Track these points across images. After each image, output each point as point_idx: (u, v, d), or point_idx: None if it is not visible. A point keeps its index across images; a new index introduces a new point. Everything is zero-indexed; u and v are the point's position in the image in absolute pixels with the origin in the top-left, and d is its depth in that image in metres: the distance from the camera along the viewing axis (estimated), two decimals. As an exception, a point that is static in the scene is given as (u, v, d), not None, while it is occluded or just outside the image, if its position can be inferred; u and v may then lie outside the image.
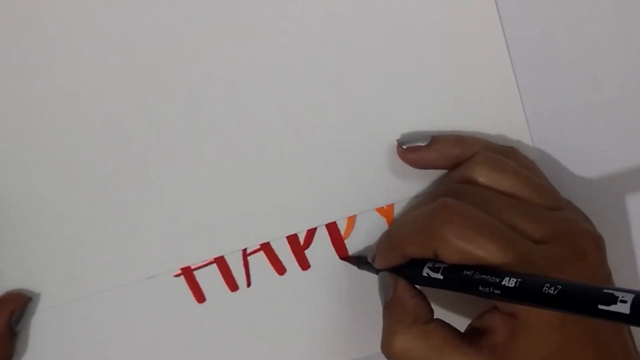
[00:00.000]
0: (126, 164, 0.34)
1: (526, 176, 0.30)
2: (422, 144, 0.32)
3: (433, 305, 0.30)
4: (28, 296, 0.34)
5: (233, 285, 0.35)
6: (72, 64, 0.34)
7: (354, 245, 0.35)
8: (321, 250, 0.35)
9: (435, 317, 0.29)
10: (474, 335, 0.28)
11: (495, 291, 0.25)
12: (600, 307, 0.22)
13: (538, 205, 0.29)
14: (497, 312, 0.28)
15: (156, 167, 0.34)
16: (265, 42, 0.34)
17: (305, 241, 0.35)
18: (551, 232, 0.28)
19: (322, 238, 0.35)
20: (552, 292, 0.23)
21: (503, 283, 0.25)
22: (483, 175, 0.30)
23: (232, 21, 0.34)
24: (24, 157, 0.34)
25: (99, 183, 0.34)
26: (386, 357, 0.29)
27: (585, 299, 0.22)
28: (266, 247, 0.35)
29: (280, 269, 0.35)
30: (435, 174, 0.34)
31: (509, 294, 0.25)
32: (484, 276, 0.26)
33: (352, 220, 0.35)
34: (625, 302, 0.21)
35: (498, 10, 0.34)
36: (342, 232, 0.35)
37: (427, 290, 0.30)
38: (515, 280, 0.25)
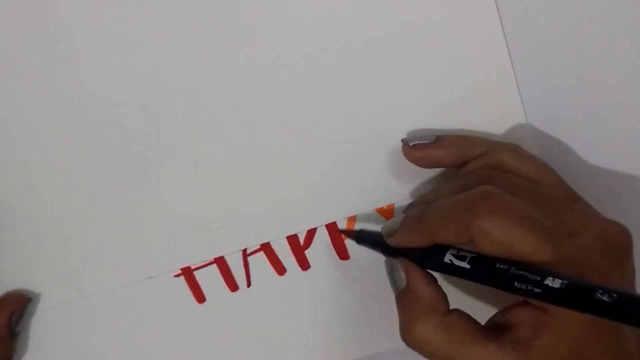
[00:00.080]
0: (126, 164, 0.34)
1: (549, 168, 0.30)
2: (428, 142, 0.32)
3: (451, 292, 0.29)
4: (28, 296, 0.34)
5: (233, 286, 0.35)
6: (72, 64, 0.34)
7: (354, 246, 0.35)
8: (321, 250, 0.35)
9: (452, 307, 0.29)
10: (495, 330, 0.27)
11: (535, 289, 0.25)
12: None
13: (561, 197, 0.29)
14: (525, 307, 0.27)
15: (156, 167, 0.34)
16: (265, 42, 0.34)
17: (305, 241, 0.35)
18: (583, 224, 0.27)
19: (322, 238, 0.35)
20: (606, 299, 0.23)
21: (546, 282, 0.24)
22: (511, 164, 0.30)
23: (232, 21, 0.34)
24: (24, 157, 0.34)
25: (99, 183, 0.34)
26: (407, 345, 0.28)
27: None
28: (266, 248, 0.35)
29: (280, 269, 0.35)
30: (435, 174, 0.34)
31: (551, 295, 0.24)
32: (521, 272, 0.25)
33: (352, 220, 0.35)
34: None
35: (498, 10, 0.34)
36: (342, 233, 0.35)
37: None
38: (560, 281, 0.24)
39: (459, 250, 0.28)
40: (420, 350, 0.28)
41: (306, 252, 0.35)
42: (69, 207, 0.34)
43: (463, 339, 0.27)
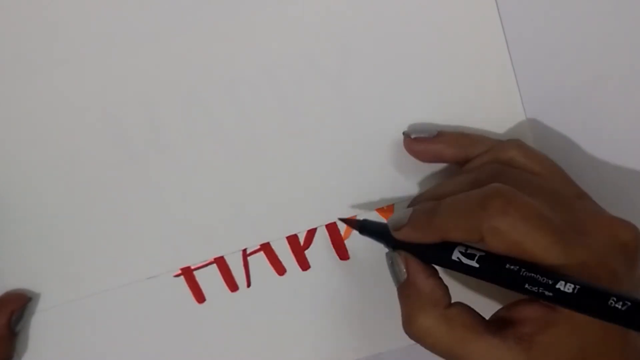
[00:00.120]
0: (126, 164, 0.34)
1: (555, 165, 0.30)
2: (429, 136, 0.32)
3: (454, 285, 0.29)
4: (28, 296, 0.34)
5: (233, 286, 0.35)
6: (72, 64, 0.34)
7: (354, 246, 0.35)
8: (321, 250, 0.35)
9: (455, 300, 0.29)
10: (499, 324, 0.27)
11: (546, 293, 0.24)
12: None
13: (569, 194, 0.29)
14: (532, 303, 0.27)
15: (156, 167, 0.34)
16: (265, 42, 0.34)
17: (305, 241, 0.35)
18: (591, 222, 0.27)
19: (322, 238, 0.35)
20: (619, 307, 0.23)
21: (558, 286, 0.24)
22: (518, 160, 0.30)
23: (232, 21, 0.34)
24: (24, 157, 0.34)
25: (99, 183, 0.34)
26: (409, 337, 0.28)
27: None
28: (266, 248, 0.35)
29: (280, 269, 0.35)
30: (435, 175, 0.34)
31: (563, 299, 0.24)
32: (532, 274, 0.25)
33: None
34: None
35: (498, 10, 0.34)
36: (342, 233, 0.35)
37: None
38: (573, 286, 0.24)
39: (467, 247, 0.27)
40: (422, 343, 0.28)
41: (306, 252, 0.35)
42: (68, 207, 0.34)
43: (464, 332, 0.27)
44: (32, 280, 0.35)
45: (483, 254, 0.27)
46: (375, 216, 0.35)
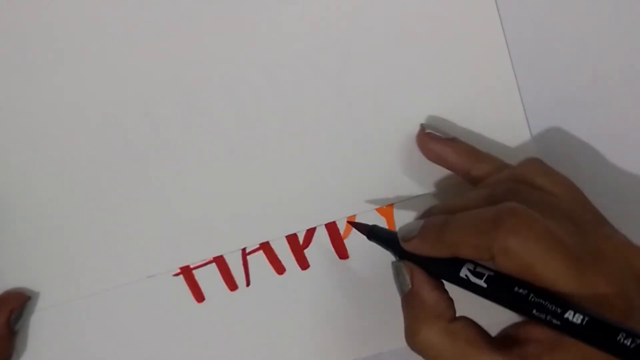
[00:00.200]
0: (126, 164, 0.34)
1: (576, 187, 0.29)
2: (443, 136, 0.32)
3: (461, 299, 0.28)
4: (27, 295, 0.34)
5: (232, 285, 0.35)
6: (72, 64, 0.34)
7: (353, 245, 0.35)
8: (320, 250, 0.35)
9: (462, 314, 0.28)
10: (504, 342, 0.27)
11: (554, 321, 0.24)
12: None
13: (588, 218, 0.28)
14: (542, 325, 0.26)
15: (156, 167, 0.34)
16: (265, 42, 0.34)
17: (304, 241, 0.35)
18: (607, 247, 0.26)
19: (322, 238, 0.35)
20: (628, 344, 0.22)
21: (566, 316, 0.24)
22: (538, 180, 0.29)
23: (232, 21, 0.34)
24: (24, 157, 0.34)
25: (99, 183, 0.34)
26: (411, 349, 0.28)
27: None
28: (265, 247, 0.35)
29: (279, 268, 0.35)
30: (435, 175, 0.34)
31: (570, 329, 0.24)
32: (540, 300, 0.24)
33: (351, 220, 0.35)
34: None
35: (498, 10, 0.34)
36: (342, 232, 0.35)
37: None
38: (582, 317, 0.23)
39: (476, 265, 0.27)
40: (424, 355, 0.27)
41: (305, 251, 0.35)
42: (68, 206, 0.34)
43: (467, 347, 0.26)
44: (31, 279, 0.35)
45: (492, 273, 0.26)
46: (375, 216, 0.35)
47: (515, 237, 0.25)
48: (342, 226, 0.35)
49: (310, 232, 0.35)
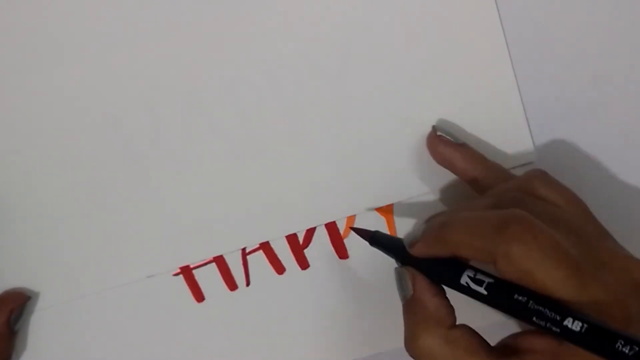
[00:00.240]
0: (126, 164, 0.34)
1: (578, 199, 0.30)
2: (453, 141, 0.33)
3: (463, 307, 0.28)
4: (27, 295, 0.34)
5: (232, 285, 0.35)
6: (72, 64, 0.34)
7: (353, 245, 0.35)
8: (320, 249, 0.35)
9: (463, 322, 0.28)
10: (504, 351, 0.27)
11: (554, 328, 0.24)
12: None
13: (590, 230, 0.29)
14: (542, 335, 0.26)
15: (156, 167, 0.34)
16: (265, 42, 0.34)
17: (304, 241, 0.35)
18: (610, 258, 0.27)
19: (322, 238, 0.35)
20: (627, 351, 0.22)
21: (565, 323, 0.24)
22: (542, 190, 0.29)
23: (232, 21, 0.34)
24: (24, 157, 0.34)
25: (99, 183, 0.34)
26: (410, 355, 0.28)
27: None
28: (265, 247, 0.35)
29: (279, 268, 0.35)
30: (436, 175, 0.34)
31: (570, 337, 0.24)
32: (540, 308, 0.25)
33: (351, 220, 0.35)
34: None
35: (498, 10, 0.34)
36: (342, 232, 0.35)
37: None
38: (580, 324, 0.24)
39: (476, 272, 0.27)
40: None
41: (305, 251, 0.35)
42: (68, 206, 0.34)
43: (466, 355, 0.26)
44: (31, 279, 0.35)
45: (492, 281, 0.26)
46: (374, 216, 0.35)
47: (519, 244, 0.25)
48: (342, 226, 0.35)
49: (310, 232, 0.35)
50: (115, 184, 0.34)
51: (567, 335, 0.24)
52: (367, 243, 0.33)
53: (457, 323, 0.28)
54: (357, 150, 0.34)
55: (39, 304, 0.35)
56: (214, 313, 0.35)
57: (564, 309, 0.24)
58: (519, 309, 0.25)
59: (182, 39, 0.34)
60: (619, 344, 0.23)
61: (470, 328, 0.28)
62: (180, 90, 0.34)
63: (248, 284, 0.35)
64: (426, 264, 0.28)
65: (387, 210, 0.35)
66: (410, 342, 0.28)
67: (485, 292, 0.26)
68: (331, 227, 0.35)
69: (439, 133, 0.33)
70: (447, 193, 0.35)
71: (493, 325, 0.31)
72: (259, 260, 0.35)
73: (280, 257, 0.35)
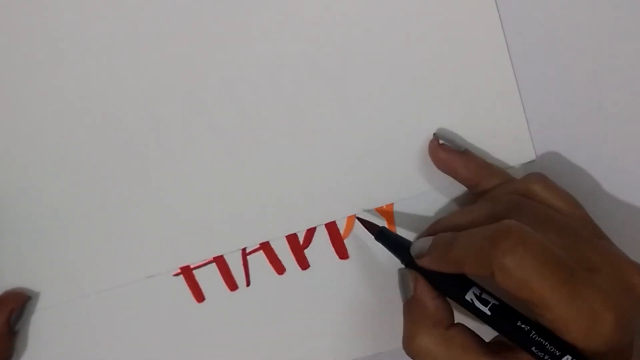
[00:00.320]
0: (126, 164, 0.34)
1: (576, 202, 0.30)
2: (455, 149, 0.33)
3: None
4: (27, 295, 0.34)
5: (232, 285, 0.35)
6: (72, 64, 0.34)
7: (353, 245, 0.35)
8: (320, 250, 0.35)
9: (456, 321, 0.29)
10: (498, 347, 0.28)
11: None
12: None
13: (586, 233, 0.29)
14: None
15: (156, 167, 0.34)
16: (265, 42, 0.34)
17: (304, 241, 0.35)
18: (604, 261, 0.27)
19: (322, 238, 0.35)
20: None
21: None
22: (539, 194, 0.30)
23: (232, 21, 0.34)
24: (24, 157, 0.34)
25: (99, 183, 0.34)
26: (407, 354, 0.29)
27: None
28: (265, 247, 0.35)
29: (279, 268, 0.35)
30: (436, 175, 0.34)
31: None
32: (541, 340, 0.25)
33: (351, 219, 0.35)
34: None
35: (498, 10, 0.34)
36: (342, 232, 0.35)
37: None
38: None
39: (482, 292, 0.28)
40: None
41: (305, 251, 0.35)
42: (68, 207, 0.34)
43: (463, 353, 0.27)
44: (31, 279, 0.35)
45: (497, 303, 0.27)
46: (375, 215, 0.35)
47: (512, 256, 0.25)
48: (342, 226, 0.35)
49: (311, 232, 0.35)
50: (115, 184, 0.34)
51: None
52: (367, 242, 0.33)
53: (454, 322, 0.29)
54: (357, 150, 0.34)
55: (39, 304, 0.35)
56: (214, 313, 0.35)
57: (564, 345, 0.25)
58: (520, 336, 0.26)
59: (182, 39, 0.34)
60: None
61: (466, 327, 0.28)
62: (180, 90, 0.34)
63: (248, 284, 0.35)
64: (433, 274, 0.29)
65: (387, 210, 0.35)
66: (408, 341, 0.28)
67: (488, 313, 0.27)
68: (331, 227, 0.35)
69: (441, 141, 0.33)
70: (447, 193, 0.35)
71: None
72: (259, 261, 0.35)
73: (280, 257, 0.35)
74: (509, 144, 0.35)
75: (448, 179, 0.34)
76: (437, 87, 0.34)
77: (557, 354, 0.25)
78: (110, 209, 0.34)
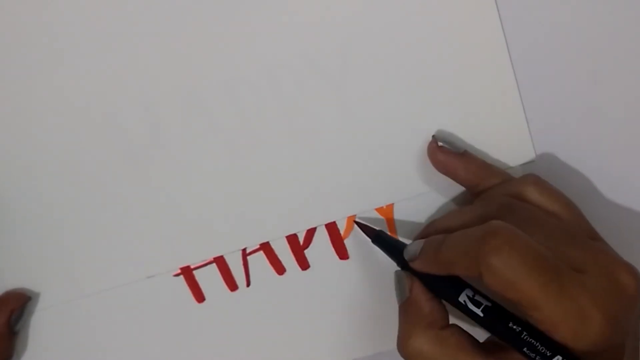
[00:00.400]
0: (126, 164, 0.34)
1: (570, 203, 0.30)
2: (454, 151, 0.33)
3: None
4: (27, 295, 0.34)
5: (232, 285, 0.35)
6: (72, 64, 0.34)
7: (353, 245, 0.35)
8: (321, 250, 0.35)
9: (451, 322, 0.29)
10: (492, 347, 0.28)
11: None
12: None
13: (580, 234, 0.29)
14: None
15: (156, 167, 0.34)
16: (265, 42, 0.34)
17: (304, 241, 0.35)
18: (593, 261, 0.27)
19: (322, 238, 0.35)
20: None
21: None
22: (533, 195, 0.30)
23: (232, 21, 0.34)
24: (24, 157, 0.34)
25: (99, 183, 0.34)
26: (401, 355, 0.29)
27: None
28: (266, 247, 0.35)
29: (279, 268, 0.35)
30: (435, 175, 0.34)
31: None
32: (532, 341, 0.26)
33: (351, 220, 0.35)
34: None
35: (498, 10, 0.34)
36: (342, 232, 0.35)
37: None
38: None
39: (475, 293, 0.28)
40: None
41: (305, 251, 0.35)
42: (68, 207, 0.34)
43: (457, 353, 0.27)
44: (31, 279, 0.35)
45: (490, 304, 0.28)
46: (375, 215, 0.35)
47: (498, 256, 0.25)
48: (342, 226, 0.35)
49: (311, 233, 0.35)
50: (115, 184, 0.34)
51: None
52: (367, 243, 0.33)
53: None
54: (357, 150, 0.34)
55: (40, 304, 0.35)
56: (214, 313, 0.35)
57: (555, 345, 0.25)
58: (512, 337, 0.26)
59: (182, 39, 0.34)
60: None
61: (460, 328, 0.29)
62: (180, 90, 0.34)
63: (248, 284, 0.35)
64: (427, 276, 0.29)
65: (387, 210, 0.35)
66: (403, 342, 0.29)
67: (481, 314, 0.27)
68: (331, 228, 0.35)
69: (440, 143, 0.33)
70: (447, 193, 0.35)
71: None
72: (259, 261, 0.35)
73: (280, 258, 0.35)
74: (508, 144, 0.35)
75: (448, 180, 0.34)
76: (437, 87, 0.34)
77: (548, 354, 0.25)
78: (110, 209, 0.34)
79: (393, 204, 0.35)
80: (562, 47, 0.34)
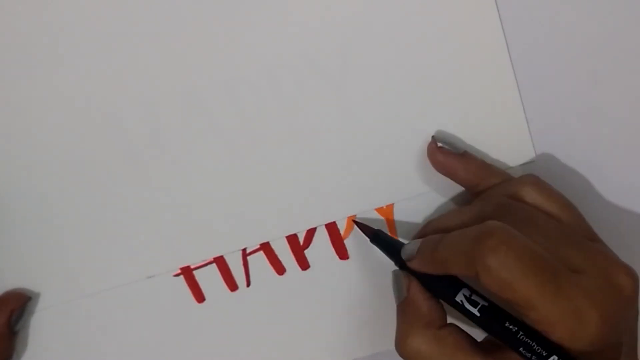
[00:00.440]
0: (126, 164, 0.34)
1: (569, 204, 0.30)
2: (454, 151, 0.33)
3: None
4: (27, 295, 0.34)
5: (232, 285, 0.35)
6: (72, 64, 0.34)
7: (353, 246, 0.35)
8: (321, 250, 0.35)
9: (449, 322, 0.29)
10: (490, 346, 0.28)
11: None
12: None
13: (578, 235, 0.29)
14: None
15: (156, 167, 0.34)
16: (265, 42, 0.34)
17: (304, 241, 0.35)
18: (590, 262, 0.27)
19: (322, 238, 0.35)
20: None
21: None
22: (531, 196, 0.30)
23: (232, 21, 0.34)
24: (24, 157, 0.34)
25: (99, 183, 0.34)
26: (399, 355, 0.29)
27: None
28: (266, 247, 0.35)
29: (279, 268, 0.35)
30: (435, 175, 0.34)
31: None
32: (528, 340, 0.26)
33: (351, 220, 0.35)
34: None
35: (498, 10, 0.34)
36: (342, 232, 0.35)
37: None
38: None
39: (472, 293, 0.28)
40: None
41: (306, 251, 0.35)
42: (68, 207, 0.34)
43: (455, 352, 0.27)
44: (31, 279, 0.34)
45: (486, 304, 0.28)
46: (374, 216, 0.35)
47: (494, 256, 0.25)
48: (342, 226, 0.35)
49: (311, 233, 0.35)
50: (115, 184, 0.34)
51: None
52: (367, 243, 0.33)
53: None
54: (357, 150, 0.34)
55: (40, 304, 0.35)
56: (214, 314, 0.35)
57: (551, 345, 0.25)
58: (508, 336, 0.26)
59: (182, 39, 0.34)
60: None
61: (458, 327, 0.29)
62: (180, 90, 0.34)
63: (248, 284, 0.35)
64: (425, 276, 0.30)
65: (387, 211, 0.35)
66: (400, 342, 0.29)
67: (478, 314, 0.28)
68: (331, 228, 0.35)
69: (439, 144, 0.33)
70: (447, 193, 0.35)
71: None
72: (259, 261, 0.35)
73: (280, 258, 0.35)
74: (508, 144, 0.35)
75: (448, 180, 0.34)
76: (437, 87, 0.34)
77: (544, 354, 0.25)
78: (110, 209, 0.34)
79: (393, 204, 0.35)
80: (562, 47, 0.34)
